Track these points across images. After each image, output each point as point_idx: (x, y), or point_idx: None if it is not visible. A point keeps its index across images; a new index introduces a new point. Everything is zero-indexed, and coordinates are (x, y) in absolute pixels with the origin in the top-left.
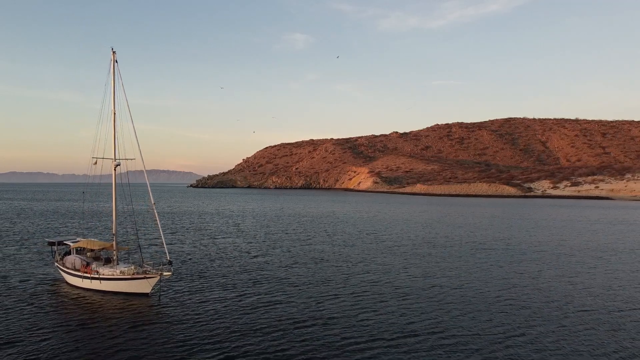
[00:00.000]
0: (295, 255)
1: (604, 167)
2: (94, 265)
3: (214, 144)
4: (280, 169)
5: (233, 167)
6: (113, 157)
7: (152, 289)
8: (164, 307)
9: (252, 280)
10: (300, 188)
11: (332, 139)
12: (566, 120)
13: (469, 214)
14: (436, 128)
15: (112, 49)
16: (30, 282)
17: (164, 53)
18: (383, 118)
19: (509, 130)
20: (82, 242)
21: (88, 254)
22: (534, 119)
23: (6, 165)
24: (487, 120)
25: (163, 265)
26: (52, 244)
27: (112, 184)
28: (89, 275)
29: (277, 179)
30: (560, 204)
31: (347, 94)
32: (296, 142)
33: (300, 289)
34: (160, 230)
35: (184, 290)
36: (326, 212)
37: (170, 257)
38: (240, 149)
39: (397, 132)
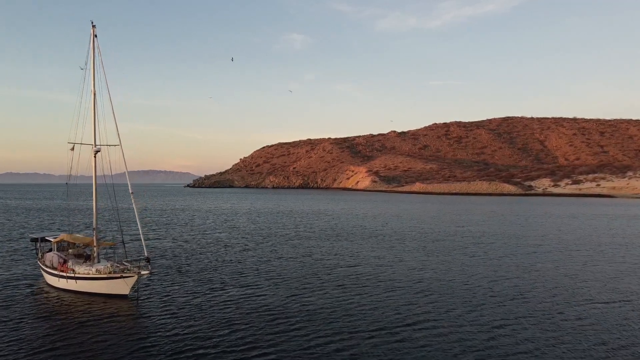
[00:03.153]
0: (283, 250)
1: (604, 165)
2: (70, 263)
3: (212, 144)
4: (277, 169)
5: (230, 167)
6: (93, 143)
7: (130, 290)
8: (142, 309)
9: (238, 275)
10: (298, 188)
11: (329, 138)
12: (564, 119)
13: (467, 211)
14: (434, 127)
15: (92, 22)
16: (4, 281)
17: (162, 53)
18: (381, 117)
19: (507, 130)
20: (62, 237)
21: (70, 250)
22: (532, 118)
23: (5, 165)
24: (485, 119)
25: (140, 263)
26: (35, 240)
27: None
28: (64, 274)
29: (274, 179)
30: (562, 201)
31: (345, 94)
32: (294, 142)
33: (286, 282)
34: (139, 223)
35: (166, 288)
36: (321, 210)
37: (149, 254)
38: (239, 149)
39: (395, 132)
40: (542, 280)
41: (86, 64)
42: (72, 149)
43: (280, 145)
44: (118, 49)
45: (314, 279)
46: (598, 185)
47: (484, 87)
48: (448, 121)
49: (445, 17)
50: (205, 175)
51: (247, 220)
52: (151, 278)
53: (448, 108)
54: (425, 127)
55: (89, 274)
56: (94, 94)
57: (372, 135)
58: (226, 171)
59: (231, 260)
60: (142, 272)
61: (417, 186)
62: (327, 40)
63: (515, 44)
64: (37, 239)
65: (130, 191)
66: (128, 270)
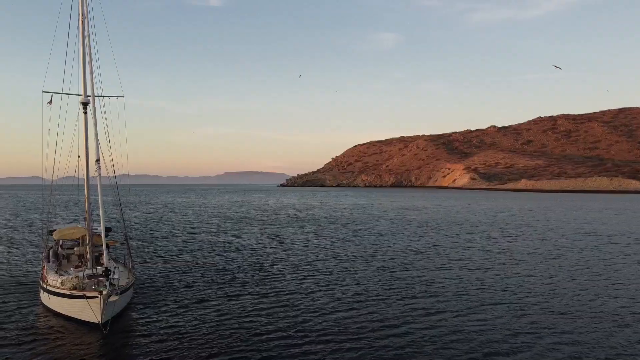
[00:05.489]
0: (333, 252)
1: None
2: (46, 269)
3: (306, 145)
4: (369, 167)
5: (322, 166)
6: (82, 92)
7: (102, 316)
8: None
9: (265, 284)
10: (390, 186)
11: (423, 135)
12: None
13: (597, 210)
14: (538, 121)
15: None
16: (14, 284)
17: (250, 55)
18: (478, 112)
19: (624, 122)
20: (60, 231)
21: (76, 249)
22: None
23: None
24: (597, 111)
25: (107, 281)
26: (51, 232)
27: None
28: (41, 283)
29: (366, 177)
30: None
31: (438, 91)
32: (386, 140)
33: (319, 296)
34: (101, 210)
35: (160, 310)
36: (416, 207)
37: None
38: (332, 149)
39: (494, 127)
40: None
41: None
42: (50, 102)
43: (373, 143)
44: (200, 53)
45: (365, 306)
46: None
47: (592, 78)
48: (554, 114)
49: (544, 6)
50: (298, 175)
51: (313, 216)
52: (149, 294)
53: (553, 101)
54: (529, 122)
55: (56, 285)
56: (82, 19)
57: (470, 131)
58: (318, 170)
59: (264, 262)
60: (104, 292)
61: (523, 183)
62: (417, 37)
63: (624, 30)
64: (53, 232)
65: (95, 159)
66: (99, 286)
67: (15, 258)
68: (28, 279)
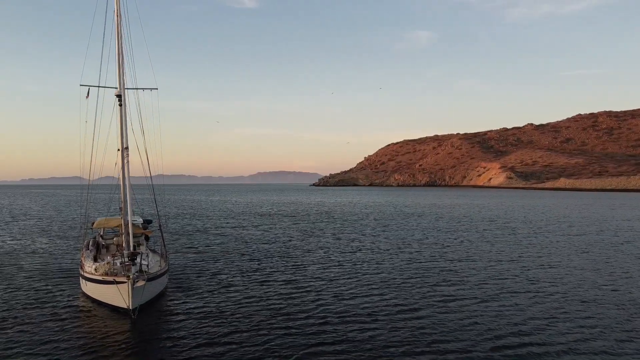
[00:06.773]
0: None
1: None
2: (84, 258)
3: (339, 145)
4: (403, 167)
5: (355, 165)
6: (117, 85)
7: (131, 302)
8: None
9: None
10: (424, 186)
11: (458, 133)
12: None
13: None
14: (578, 118)
15: None
16: (58, 271)
17: (284, 56)
18: (515, 110)
19: None
20: (100, 221)
21: (115, 239)
22: None
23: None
24: None
25: (141, 261)
26: (93, 223)
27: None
28: (81, 271)
29: (399, 177)
30: None
31: (473, 89)
32: (420, 139)
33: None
34: (128, 196)
35: (190, 299)
36: (441, 204)
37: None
38: (365, 149)
39: (532, 124)
40: None
41: None
42: (88, 96)
43: (406, 142)
44: (230, 58)
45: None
46: None
47: (635, 73)
48: (595, 111)
49: (585, 0)
50: (330, 174)
51: (351, 212)
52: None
53: (594, 98)
54: (568, 119)
55: (91, 272)
56: (117, 14)
57: (506, 129)
58: (350, 170)
59: (295, 258)
60: (130, 275)
61: (562, 182)
62: (454, 35)
63: None
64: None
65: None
66: (127, 272)
67: (58, 249)
68: (69, 268)
